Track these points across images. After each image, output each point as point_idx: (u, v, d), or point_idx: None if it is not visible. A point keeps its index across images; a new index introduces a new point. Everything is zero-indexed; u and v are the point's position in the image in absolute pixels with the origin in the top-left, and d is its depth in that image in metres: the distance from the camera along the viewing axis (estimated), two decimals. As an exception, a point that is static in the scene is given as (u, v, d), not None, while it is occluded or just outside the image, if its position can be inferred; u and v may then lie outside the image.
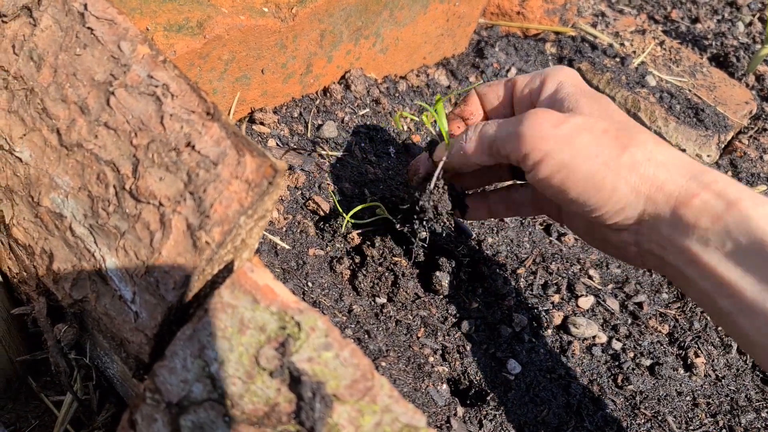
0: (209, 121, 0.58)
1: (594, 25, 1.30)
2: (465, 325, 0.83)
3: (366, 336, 0.75)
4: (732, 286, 0.58)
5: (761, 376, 0.90)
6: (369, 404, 0.52)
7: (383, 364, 0.71)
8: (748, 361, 0.91)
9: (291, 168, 0.85)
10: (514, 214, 0.81)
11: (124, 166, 0.58)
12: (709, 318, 0.93)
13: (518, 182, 0.82)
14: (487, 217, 0.82)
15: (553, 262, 0.95)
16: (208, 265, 0.57)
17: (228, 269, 0.61)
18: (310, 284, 0.77)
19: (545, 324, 0.86)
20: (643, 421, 0.81)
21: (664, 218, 0.62)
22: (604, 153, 0.62)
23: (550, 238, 0.99)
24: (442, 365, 0.79)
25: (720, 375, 0.89)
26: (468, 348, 0.81)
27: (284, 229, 0.82)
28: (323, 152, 0.90)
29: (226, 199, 0.56)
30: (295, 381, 0.53)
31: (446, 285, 0.84)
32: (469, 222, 0.93)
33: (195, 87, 0.59)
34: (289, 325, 0.54)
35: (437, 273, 0.83)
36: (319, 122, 0.92)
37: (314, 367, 0.53)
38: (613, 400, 0.82)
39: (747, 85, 1.32)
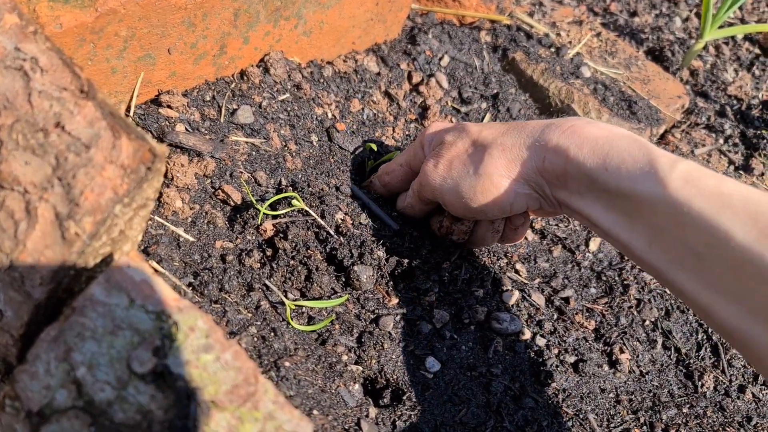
0: (83, 99, 0.53)
1: (531, 15, 1.28)
2: (383, 321, 0.79)
3: (272, 334, 0.70)
4: (594, 220, 0.68)
5: (684, 371, 0.89)
6: (250, 411, 0.48)
7: (287, 363, 0.66)
8: (671, 356, 0.90)
9: (199, 154, 0.80)
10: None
11: (-18, 148, 0.52)
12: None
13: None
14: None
15: (480, 256, 0.92)
16: (80, 259, 0.52)
17: (106, 263, 0.56)
18: (212, 279, 0.72)
19: (467, 320, 0.83)
20: (564, 419, 0.79)
21: (545, 187, 0.72)
22: (475, 166, 0.74)
23: (478, 231, 0.96)
24: (356, 364, 0.75)
25: (644, 371, 0.87)
26: (385, 345, 0.77)
27: (189, 219, 0.76)
28: (237, 138, 0.84)
29: (98, 186, 0.51)
30: (170, 386, 0.48)
31: (365, 280, 0.80)
32: (392, 214, 0.89)
33: (68, 62, 0.54)
34: (167, 325, 0.50)
35: (356, 267, 0.79)
36: (234, 107, 0.87)
37: (192, 371, 0.49)
38: (534, 399, 0.80)
39: (681, 80, 1.32)
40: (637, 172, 0.62)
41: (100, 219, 0.51)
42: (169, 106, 0.82)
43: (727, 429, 0.83)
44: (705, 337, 0.93)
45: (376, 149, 0.95)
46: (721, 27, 1.28)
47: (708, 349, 0.92)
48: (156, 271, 0.68)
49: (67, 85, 0.53)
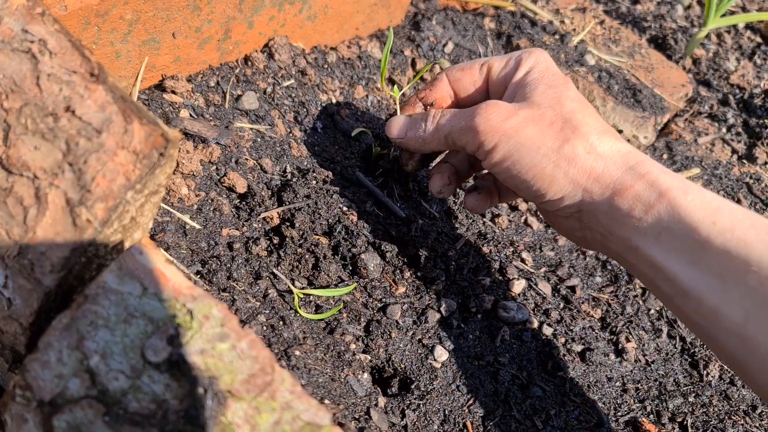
0: (93, 83, 0.51)
1: (534, 1, 1.27)
2: (390, 310, 0.78)
3: (281, 322, 0.69)
4: (667, 271, 0.61)
5: (689, 360, 0.89)
6: (267, 401, 0.47)
7: (297, 352, 0.65)
8: (677, 345, 0.90)
9: (204, 141, 0.78)
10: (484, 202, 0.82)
11: (-9, 132, 0.51)
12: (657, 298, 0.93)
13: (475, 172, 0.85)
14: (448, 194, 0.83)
15: (486, 245, 0.92)
16: (91, 246, 0.51)
17: (117, 251, 0.55)
18: (221, 267, 0.71)
19: (474, 309, 0.83)
20: (572, 408, 0.79)
21: (602, 208, 0.65)
22: (546, 144, 0.66)
23: (484, 220, 0.96)
24: (364, 353, 0.75)
25: (650, 360, 0.87)
26: (393, 334, 0.77)
27: (195, 207, 0.75)
28: (242, 125, 0.83)
29: (110, 172, 0.50)
30: (185, 376, 0.47)
31: (372, 268, 0.79)
32: (399, 204, 0.88)
33: (78, 44, 0.52)
34: (181, 314, 0.49)
35: (363, 255, 0.79)
36: (239, 93, 0.86)
37: (207, 360, 0.48)
38: (542, 387, 0.79)
39: (684, 68, 1.31)
40: (753, 237, 0.56)
41: (112, 205, 0.50)
42: (173, 92, 0.80)
43: (733, 417, 0.83)
44: (709, 325, 0.93)
45: (371, 134, 0.94)
46: (723, 15, 1.27)
47: (712, 338, 0.92)
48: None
49: (76, 68, 0.51)
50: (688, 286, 0.59)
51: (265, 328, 0.68)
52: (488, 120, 0.68)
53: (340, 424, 0.62)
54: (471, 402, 0.75)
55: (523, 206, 1.00)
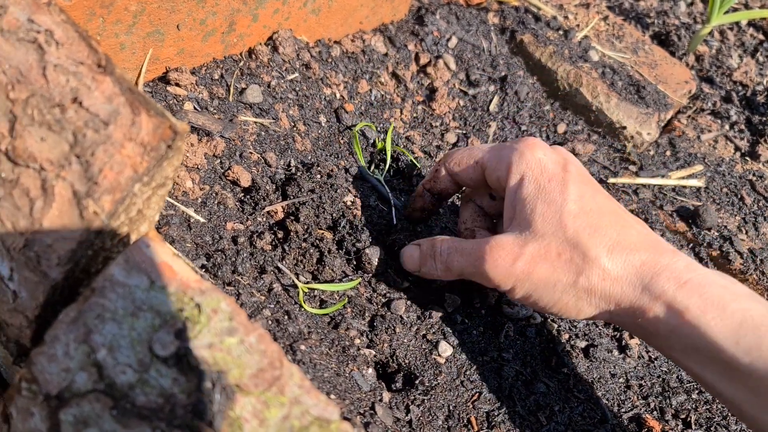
0: (100, 74, 0.51)
1: (538, -3, 1.26)
2: (395, 305, 0.78)
3: (286, 317, 0.69)
4: (704, 381, 0.64)
5: (693, 357, 0.89)
6: (276, 395, 0.47)
7: (302, 347, 0.65)
8: (680, 343, 0.90)
9: (209, 134, 0.78)
10: None
11: (-2, 123, 0.50)
12: None
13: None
14: None
15: (489, 240, 0.91)
16: (98, 239, 0.50)
17: (123, 243, 0.54)
18: (226, 261, 0.70)
19: (478, 304, 0.83)
20: (575, 404, 0.79)
21: (630, 327, 0.68)
22: (561, 281, 0.66)
23: (487, 215, 0.95)
24: (368, 348, 0.74)
25: (653, 356, 0.87)
26: (397, 330, 0.76)
27: (199, 200, 0.75)
28: (246, 118, 0.83)
29: (117, 164, 0.49)
30: (193, 370, 0.47)
31: (376, 263, 0.79)
32: (403, 199, 0.88)
33: (84, 35, 0.52)
34: (188, 307, 0.48)
35: (367, 250, 0.78)
36: (243, 86, 0.85)
37: (215, 354, 0.47)
38: (546, 383, 0.79)
39: (687, 65, 1.31)
40: None
41: (120, 198, 0.49)
42: (177, 84, 0.80)
43: (736, 414, 0.83)
44: (712, 322, 0.93)
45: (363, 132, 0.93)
46: (726, 12, 1.27)
47: (715, 335, 0.92)
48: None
49: (83, 59, 0.51)
50: (726, 395, 0.62)
51: (270, 322, 0.68)
52: (496, 266, 0.67)
53: (346, 419, 0.61)
54: (475, 397, 0.75)
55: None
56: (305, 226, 0.76)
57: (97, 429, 0.46)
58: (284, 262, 0.75)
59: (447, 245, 0.73)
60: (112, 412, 0.46)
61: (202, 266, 0.69)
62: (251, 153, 0.81)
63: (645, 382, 0.84)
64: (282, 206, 0.78)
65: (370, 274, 0.79)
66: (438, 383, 0.75)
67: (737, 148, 1.19)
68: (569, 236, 0.65)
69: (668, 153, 1.14)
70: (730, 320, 0.60)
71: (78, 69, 0.51)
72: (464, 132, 1.05)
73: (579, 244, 0.65)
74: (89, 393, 0.47)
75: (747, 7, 1.52)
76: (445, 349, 0.78)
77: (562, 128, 1.10)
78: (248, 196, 0.78)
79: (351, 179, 0.85)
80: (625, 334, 0.87)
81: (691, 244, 1.02)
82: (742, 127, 1.23)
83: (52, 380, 0.47)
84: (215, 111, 0.81)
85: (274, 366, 0.47)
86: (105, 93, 0.50)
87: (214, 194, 0.76)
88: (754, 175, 1.14)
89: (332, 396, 0.64)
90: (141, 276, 0.49)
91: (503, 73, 1.12)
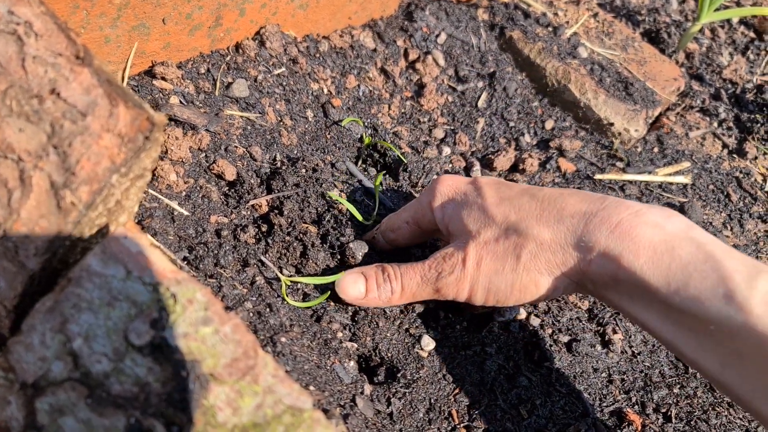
0: (79, 66, 0.51)
1: (528, -6, 1.27)
2: (378, 299, 0.78)
3: (267, 309, 0.69)
4: (647, 325, 0.63)
5: (676, 352, 0.90)
6: (250, 384, 0.47)
7: (283, 339, 0.66)
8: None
9: (194, 128, 0.78)
10: None
11: (-25, 114, 0.51)
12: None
13: None
14: None
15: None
16: (76, 229, 0.51)
17: (102, 234, 0.55)
18: (208, 253, 0.71)
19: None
20: (557, 398, 0.79)
21: (591, 288, 0.67)
22: (508, 262, 0.67)
23: (473, 211, 0.96)
24: (351, 341, 0.75)
25: (636, 351, 0.88)
26: (380, 323, 0.77)
27: (184, 193, 0.75)
28: (232, 112, 0.83)
29: (95, 155, 0.50)
30: (168, 359, 0.48)
31: (360, 257, 0.79)
32: (389, 194, 0.89)
33: (63, 27, 0.52)
34: (164, 297, 0.49)
35: (351, 244, 0.79)
36: (229, 80, 0.86)
37: (190, 343, 0.48)
38: (528, 377, 0.80)
39: (677, 62, 1.31)
40: (708, 293, 0.56)
41: (97, 188, 0.50)
42: (163, 78, 0.80)
43: (717, 409, 0.84)
44: (696, 318, 0.93)
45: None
46: (717, 10, 1.27)
47: (699, 331, 0.92)
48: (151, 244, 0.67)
49: (62, 50, 0.51)
50: (669, 340, 0.62)
51: (251, 314, 0.68)
52: (452, 274, 0.70)
53: (325, 411, 0.62)
54: (457, 391, 0.76)
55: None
56: (289, 220, 0.77)
57: (73, 417, 0.47)
58: (268, 255, 0.75)
59: (398, 271, 0.74)
60: (87, 400, 0.47)
61: (184, 258, 0.69)
62: (236, 147, 0.81)
63: (627, 376, 0.85)
64: (266, 200, 0.78)
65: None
66: (420, 377, 0.75)
67: (725, 146, 1.19)
68: (499, 222, 0.68)
69: (656, 150, 1.14)
70: (660, 261, 0.59)
71: (56, 60, 0.51)
72: (452, 128, 1.05)
73: (510, 225, 0.68)
74: (65, 382, 0.47)
75: (738, 4, 1.53)
76: (428, 343, 0.78)
77: (550, 124, 1.11)
78: (233, 190, 0.78)
79: (337, 174, 0.86)
80: (609, 329, 0.87)
81: (677, 241, 1.02)
82: (731, 124, 1.23)
83: (29, 369, 0.47)
84: (201, 105, 0.82)
85: (249, 355, 0.48)
86: (83, 84, 0.51)
87: (198, 188, 0.76)
88: (740, 172, 1.14)
89: (311, 387, 0.64)
90: (117, 266, 0.49)
91: (492, 70, 1.12)
